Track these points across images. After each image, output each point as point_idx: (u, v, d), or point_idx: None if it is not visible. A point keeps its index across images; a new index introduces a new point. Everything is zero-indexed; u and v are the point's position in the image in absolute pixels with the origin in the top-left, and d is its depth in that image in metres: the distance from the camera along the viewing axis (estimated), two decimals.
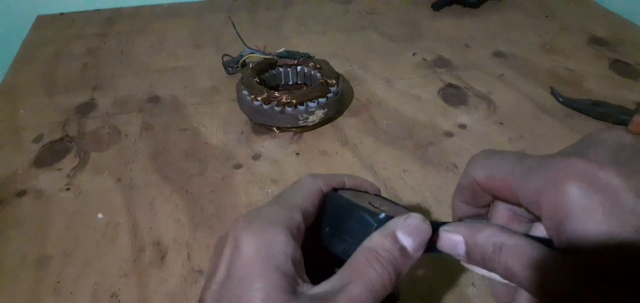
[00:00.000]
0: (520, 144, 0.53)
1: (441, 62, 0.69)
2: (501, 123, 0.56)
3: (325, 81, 0.55)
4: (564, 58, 0.70)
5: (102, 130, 0.56)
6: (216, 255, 0.25)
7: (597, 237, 0.20)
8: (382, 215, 0.25)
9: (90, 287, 0.38)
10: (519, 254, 0.22)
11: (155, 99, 0.62)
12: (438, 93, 0.62)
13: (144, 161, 0.51)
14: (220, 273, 0.23)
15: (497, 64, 0.69)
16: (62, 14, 0.86)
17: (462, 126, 0.56)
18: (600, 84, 0.63)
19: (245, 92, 0.54)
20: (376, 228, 0.25)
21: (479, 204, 0.28)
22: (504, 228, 0.24)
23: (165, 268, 0.40)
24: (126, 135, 0.55)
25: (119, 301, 0.37)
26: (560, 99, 0.59)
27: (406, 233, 0.24)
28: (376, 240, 0.24)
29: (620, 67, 0.67)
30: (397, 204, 0.30)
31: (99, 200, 0.46)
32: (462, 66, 0.68)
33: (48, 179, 0.49)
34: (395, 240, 0.24)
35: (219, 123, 0.57)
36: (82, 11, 0.86)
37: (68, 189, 0.48)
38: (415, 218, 0.24)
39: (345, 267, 0.23)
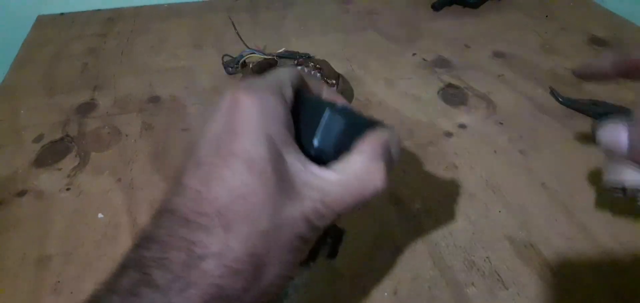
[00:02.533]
0: (519, 144, 0.53)
1: (441, 63, 0.69)
2: (501, 123, 0.57)
3: (325, 81, 0.55)
4: (564, 58, 0.70)
5: (103, 130, 0.56)
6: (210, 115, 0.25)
7: None
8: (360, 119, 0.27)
9: (90, 287, 0.38)
10: None
11: (155, 99, 0.62)
12: (438, 93, 0.62)
13: (144, 161, 0.51)
14: (217, 125, 0.23)
15: (497, 64, 0.69)
16: (62, 14, 0.86)
17: (462, 126, 0.56)
18: (600, 84, 0.63)
19: None
20: (347, 126, 0.26)
21: (622, 76, 0.28)
22: None
23: None
24: (126, 135, 0.55)
25: None
26: (560, 99, 0.59)
27: (393, 141, 0.26)
28: (371, 136, 0.26)
29: None
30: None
31: (99, 200, 0.46)
32: (462, 66, 0.68)
33: (48, 179, 0.49)
34: (385, 141, 0.26)
35: None
36: (82, 11, 0.87)
37: (68, 189, 0.48)
38: (393, 130, 0.27)
39: (347, 158, 0.25)
